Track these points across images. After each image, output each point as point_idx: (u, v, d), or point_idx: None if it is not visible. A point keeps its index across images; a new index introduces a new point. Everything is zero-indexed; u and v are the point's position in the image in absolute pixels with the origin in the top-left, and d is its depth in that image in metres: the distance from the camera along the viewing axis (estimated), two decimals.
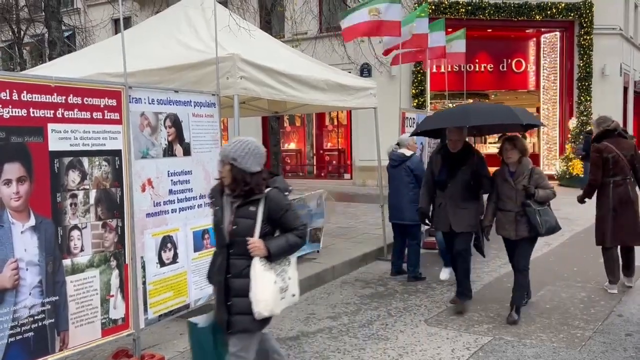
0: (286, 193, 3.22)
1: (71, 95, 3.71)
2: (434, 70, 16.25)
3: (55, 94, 3.61)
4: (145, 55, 5.62)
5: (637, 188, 6.06)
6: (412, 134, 6.38)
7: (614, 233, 6.00)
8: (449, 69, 13.99)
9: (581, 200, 6.30)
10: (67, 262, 3.69)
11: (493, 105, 7.59)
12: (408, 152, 6.64)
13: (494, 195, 5.32)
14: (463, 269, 5.57)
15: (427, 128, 5.91)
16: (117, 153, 4.03)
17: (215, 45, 4.94)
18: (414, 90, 17.39)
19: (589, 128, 16.04)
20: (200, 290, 4.80)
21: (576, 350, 4.48)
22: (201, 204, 4.82)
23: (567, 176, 16.82)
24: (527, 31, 18.92)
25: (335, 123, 20.00)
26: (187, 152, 4.68)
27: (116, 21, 22.22)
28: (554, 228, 5.07)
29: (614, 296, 5.92)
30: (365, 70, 17.05)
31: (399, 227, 6.75)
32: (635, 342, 4.65)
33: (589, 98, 18.09)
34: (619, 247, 6.16)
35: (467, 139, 5.72)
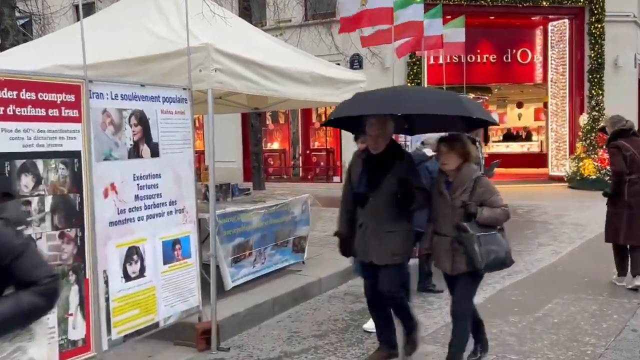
0: (20, 227, 2.51)
1: (24, 90, 3.66)
2: (431, 61, 16.34)
3: (5, 89, 3.56)
4: (109, 45, 5.58)
5: None
6: (324, 124, 6.11)
7: (629, 231, 6.58)
8: (447, 60, 14.07)
9: (611, 193, 6.73)
10: None
11: (435, 91, 6.32)
12: (430, 153, 6.68)
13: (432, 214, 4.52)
14: (399, 312, 4.64)
15: (340, 115, 4.65)
16: (76, 155, 3.98)
17: (187, 33, 4.92)
18: (409, 83, 17.47)
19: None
20: (171, 308, 4.77)
21: None
22: (171, 211, 4.79)
23: (578, 177, 16.97)
24: (533, 18, 19.09)
25: (323, 120, 20.02)
26: (155, 153, 4.64)
27: (77, 7, 22.05)
28: (500, 262, 4.19)
29: (627, 309, 5.97)
30: (355, 62, 17.12)
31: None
32: None
33: (601, 92, 18.26)
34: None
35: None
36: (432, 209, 4.44)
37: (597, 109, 17.76)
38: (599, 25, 18.33)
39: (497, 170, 7.77)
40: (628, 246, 6.73)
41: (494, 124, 4.93)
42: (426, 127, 5.39)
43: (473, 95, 19.76)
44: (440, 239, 4.32)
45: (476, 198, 4.18)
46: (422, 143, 6.88)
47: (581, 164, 17.20)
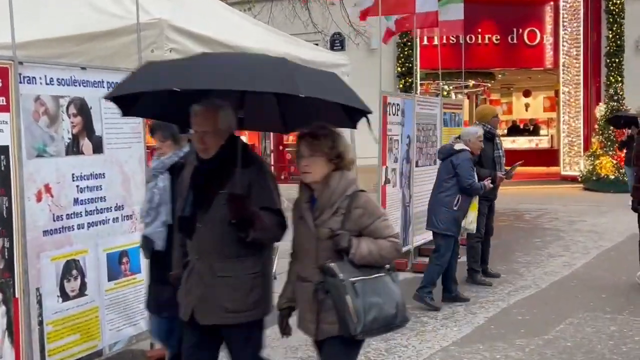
0: None
1: None
2: (425, 42, 16.41)
3: None
4: (44, 21, 5.53)
5: None
6: (106, 96, 3.83)
7: None
8: (444, 41, 14.14)
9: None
10: None
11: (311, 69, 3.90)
12: (460, 147, 6.78)
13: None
14: None
15: (134, 90, 3.42)
16: (3, 150, 3.92)
17: (137, 7, 4.88)
18: (399, 69, 17.60)
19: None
20: (117, 332, 4.73)
21: None
22: (117, 217, 4.76)
23: (594, 178, 17.19)
24: None
25: None
26: (98, 148, 4.60)
27: None
28: (387, 321, 3.26)
29: None
30: (336, 42, 17.17)
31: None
32: None
33: (620, 78, 18.50)
34: None
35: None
36: (294, 240, 3.50)
37: (615, 98, 17.92)
38: (619, 2, 18.56)
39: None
40: None
41: (367, 112, 3.51)
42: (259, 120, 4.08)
43: (473, 82, 19.88)
44: (301, 287, 3.42)
45: (351, 225, 3.25)
46: (458, 137, 7.04)
47: (597, 162, 17.43)
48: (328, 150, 3.27)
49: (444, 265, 6.84)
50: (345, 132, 7.46)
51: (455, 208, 6.75)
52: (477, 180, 6.71)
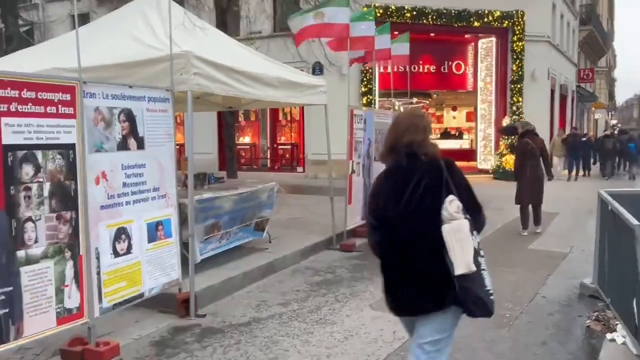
0: None
1: (25, 89, 3.55)
2: (381, 70, 16.41)
3: (8, 88, 3.46)
4: (101, 51, 5.45)
5: None
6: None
7: (529, 195, 8.62)
8: (395, 70, 14.14)
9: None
10: (21, 253, 3.55)
11: None
12: None
13: None
14: None
15: None
16: (71, 147, 3.88)
17: (170, 42, 4.84)
18: (362, 89, 17.54)
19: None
20: (154, 280, 4.72)
21: (504, 330, 4.65)
22: (155, 197, 4.73)
23: (501, 170, 17.39)
24: (466, 36, 19.36)
25: (289, 118, 19.94)
26: (140, 145, 4.56)
27: (74, 17, 21.39)
28: None
29: (539, 280, 6.17)
30: (317, 69, 17.07)
31: None
32: (556, 321, 4.87)
33: (520, 99, 18.71)
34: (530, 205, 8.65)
35: None
36: None
37: (517, 113, 18.19)
38: (520, 44, 18.74)
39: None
40: (530, 206, 8.65)
41: None
42: None
43: (416, 99, 20.00)
44: None
45: None
46: None
47: (503, 159, 17.62)
48: None
49: None
50: (323, 134, 7.41)
51: None
52: None
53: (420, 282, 2.65)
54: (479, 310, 2.63)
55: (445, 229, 2.53)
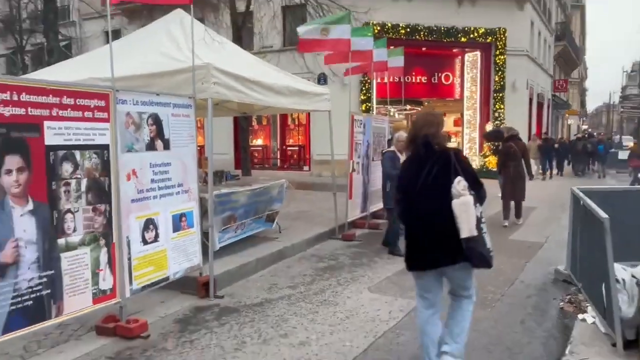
0: None
1: (65, 96, 3.58)
2: (378, 80, 16.38)
3: (50, 95, 3.48)
4: (132, 63, 5.46)
5: None
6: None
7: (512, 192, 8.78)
8: (391, 80, 14.12)
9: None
10: (61, 241, 3.57)
11: None
12: (387, 149, 6.99)
13: None
14: None
15: None
16: (105, 147, 3.91)
17: (192, 55, 4.85)
18: (362, 97, 17.50)
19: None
20: (178, 265, 4.74)
21: (487, 310, 4.64)
22: (179, 192, 4.74)
23: (484, 170, 17.31)
24: (454, 50, 19.25)
25: (297, 123, 19.91)
26: (166, 146, 4.57)
27: (107, 33, 21.45)
28: None
29: (518, 266, 6.15)
30: (321, 79, 17.02)
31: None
32: (534, 303, 4.86)
33: (502, 106, 18.64)
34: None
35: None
36: None
37: (499, 119, 18.16)
38: (502, 57, 18.65)
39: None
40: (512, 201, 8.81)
41: None
42: None
43: (409, 106, 19.99)
44: None
45: None
46: (390, 140, 7.12)
47: (487, 159, 17.58)
48: None
49: (394, 227, 6.73)
50: (327, 137, 7.37)
51: (387, 190, 6.76)
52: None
53: (438, 243, 3.02)
54: (482, 263, 3.05)
55: (455, 203, 2.92)
